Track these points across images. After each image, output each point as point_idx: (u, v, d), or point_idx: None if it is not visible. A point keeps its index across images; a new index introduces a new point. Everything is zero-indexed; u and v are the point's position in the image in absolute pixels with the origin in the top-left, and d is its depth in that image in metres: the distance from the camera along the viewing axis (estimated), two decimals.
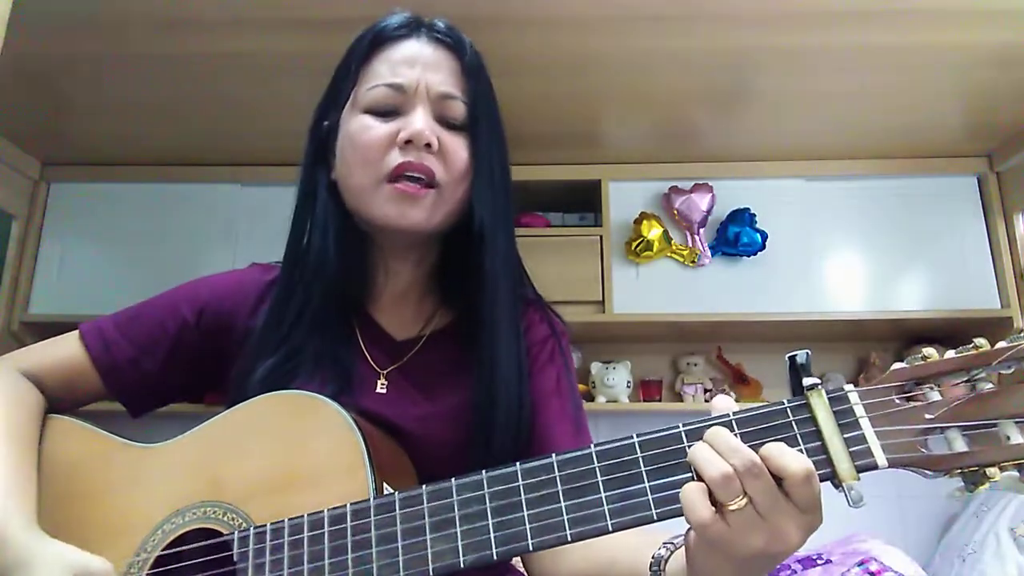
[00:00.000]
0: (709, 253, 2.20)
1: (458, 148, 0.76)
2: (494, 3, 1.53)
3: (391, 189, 0.74)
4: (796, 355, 0.55)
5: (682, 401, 2.27)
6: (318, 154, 0.81)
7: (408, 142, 0.73)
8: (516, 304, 0.80)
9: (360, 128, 0.75)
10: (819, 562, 1.79)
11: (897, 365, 0.54)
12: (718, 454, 0.50)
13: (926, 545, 2.14)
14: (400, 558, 0.56)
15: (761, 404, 0.54)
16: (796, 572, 1.78)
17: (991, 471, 0.49)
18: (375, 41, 0.78)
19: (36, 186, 2.27)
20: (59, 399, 0.80)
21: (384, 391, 0.78)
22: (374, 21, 0.82)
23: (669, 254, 2.20)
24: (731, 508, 0.49)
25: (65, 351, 0.81)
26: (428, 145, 0.74)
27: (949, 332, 2.21)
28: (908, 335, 2.30)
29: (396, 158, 0.74)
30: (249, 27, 1.62)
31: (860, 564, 1.73)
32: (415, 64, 0.76)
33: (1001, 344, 0.51)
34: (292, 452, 0.66)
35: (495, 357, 0.75)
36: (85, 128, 2.10)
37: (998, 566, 1.81)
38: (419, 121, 0.74)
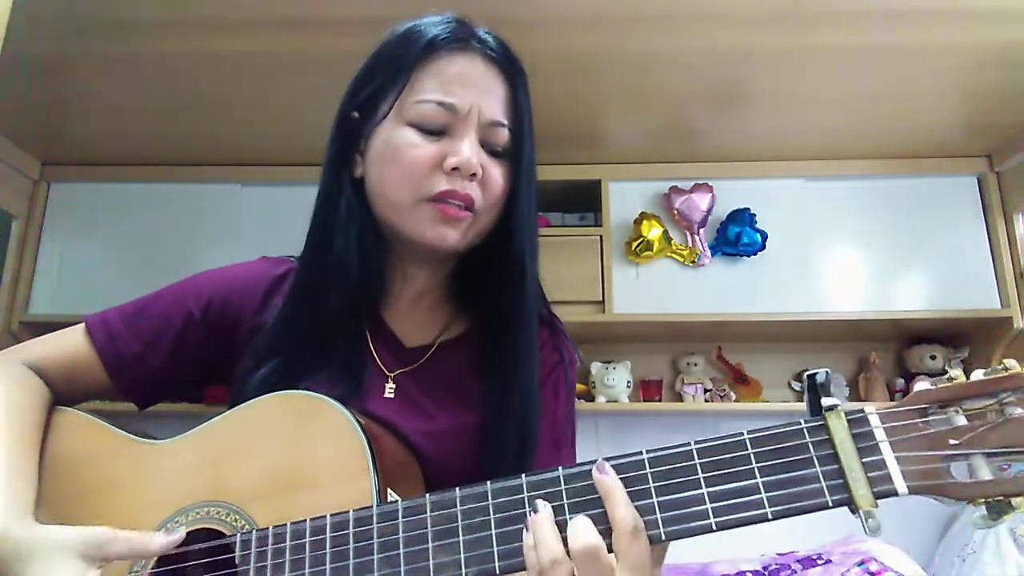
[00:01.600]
0: (709, 253, 2.20)
1: (498, 176, 0.76)
2: (494, 3, 1.53)
3: (432, 208, 0.73)
4: (816, 374, 0.52)
5: (682, 401, 2.27)
6: (344, 147, 0.79)
7: (455, 169, 0.73)
8: (536, 323, 0.80)
9: (405, 143, 0.73)
10: (819, 562, 1.80)
11: (921, 387, 0.51)
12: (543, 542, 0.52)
13: (926, 545, 2.14)
14: (402, 568, 0.56)
15: (777, 425, 0.52)
16: (796, 572, 1.79)
17: (1016, 501, 0.46)
18: (427, 48, 0.75)
19: (36, 186, 2.27)
20: (63, 392, 0.78)
21: (392, 396, 0.77)
22: (398, 20, 0.79)
23: (669, 254, 2.20)
24: None
25: (70, 344, 0.80)
26: (473, 174, 0.73)
27: (949, 332, 2.22)
28: (908, 335, 2.30)
29: (441, 183, 0.73)
30: (249, 27, 1.61)
31: (860, 564, 1.74)
32: (468, 85, 0.74)
33: None
34: (296, 454, 0.66)
35: (521, 377, 0.76)
36: (85, 128, 2.10)
37: (998, 566, 1.81)
38: (468, 150, 0.73)
